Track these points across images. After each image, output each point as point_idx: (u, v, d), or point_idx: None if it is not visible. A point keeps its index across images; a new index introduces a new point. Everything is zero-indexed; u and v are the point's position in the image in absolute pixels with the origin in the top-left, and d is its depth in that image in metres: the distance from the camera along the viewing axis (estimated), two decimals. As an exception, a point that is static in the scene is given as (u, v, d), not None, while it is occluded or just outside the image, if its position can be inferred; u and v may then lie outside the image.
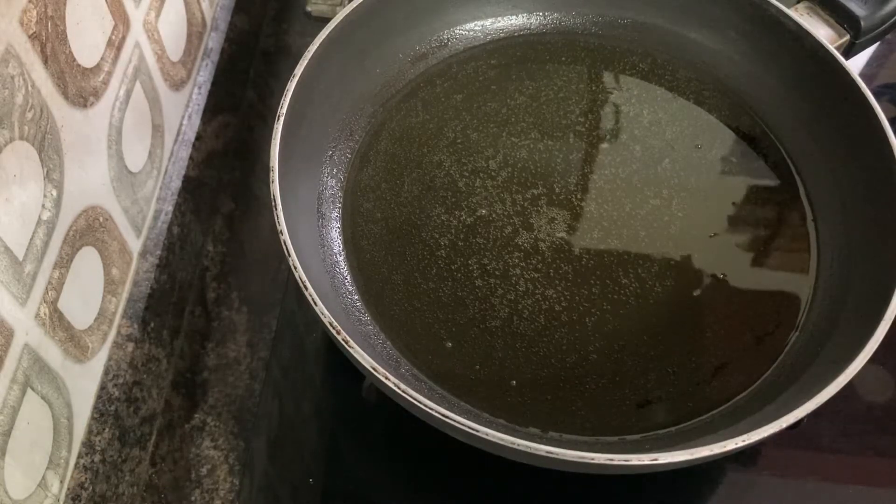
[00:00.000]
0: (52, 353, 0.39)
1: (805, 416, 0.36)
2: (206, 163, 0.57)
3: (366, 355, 0.37)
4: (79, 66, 0.39)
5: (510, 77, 0.55)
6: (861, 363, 0.37)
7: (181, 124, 0.55)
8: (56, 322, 0.39)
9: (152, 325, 0.48)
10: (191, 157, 0.55)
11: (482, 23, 0.58)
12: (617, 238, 0.49)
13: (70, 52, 0.38)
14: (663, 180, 0.51)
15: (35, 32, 0.35)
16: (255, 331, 0.53)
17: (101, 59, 0.42)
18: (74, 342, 0.41)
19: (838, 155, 0.49)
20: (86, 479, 0.42)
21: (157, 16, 0.49)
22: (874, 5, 0.51)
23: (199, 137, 0.56)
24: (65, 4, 0.38)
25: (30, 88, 0.35)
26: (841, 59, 0.48)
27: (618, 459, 0.35)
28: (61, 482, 0.40)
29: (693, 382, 0.44)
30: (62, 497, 0.40)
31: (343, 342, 0.38)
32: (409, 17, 0.54)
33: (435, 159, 0.52)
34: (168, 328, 0.50)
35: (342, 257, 0.48)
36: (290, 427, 0.49)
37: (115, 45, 0.44)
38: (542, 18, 0.58)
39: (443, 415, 0.36)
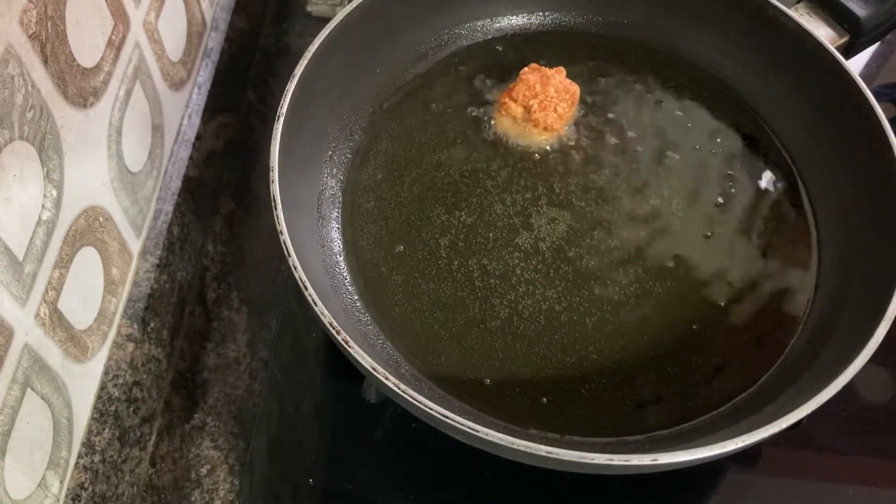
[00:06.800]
0: (52, 353, 0.38)
1: (805, 416, 0.36)
2: (206, 163, 0.57)
3: (366, 355, 0.37)
4: (79, 66, 0.39)
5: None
6: (861, 363, 0.37)
7: (181, 124, 0.55)
8: (56, 322, 0.39)
9: (152, 325, 0.48)
10: (191, 157, 0.55)
11: (482, 22, 0.58)
12: (617, 238, 0.49)
13: (70, 52, 0.38)
14: (663, 180, 0.51)
15: (35, 32, 0.35)
16: (255, 331, 0.53)
17: (101, 59, 0.42)
18: (74, 342, 0.41)
19: (838, 155, 0.49)
20: (86, 479, 0.42)
21: (157, 16, 0.49)
22: (874, 5, 0.51)
23: (199, 137, 0.56)
24: (65, 4, 0.37)
25: (30, 88, 0.35)
26: (841, 59, 0.48)
27: (618, 459, 0.35)
28: (61, 482, 0.40)
29: (693, 382, 0.44)
30: (62, 497, 0.40)
31: (343, 342, 0.38)
32: (408, 17, 0.54)
33: (435, 159, 0.52)
34: (168, 328, 0.50)
35: (342, 257, 0.48)
36: (290, 427, 0.49)
37: (115, 45, 0.44)
38: (542, 18, 0.58)
39: (443, 415, 0.36)
